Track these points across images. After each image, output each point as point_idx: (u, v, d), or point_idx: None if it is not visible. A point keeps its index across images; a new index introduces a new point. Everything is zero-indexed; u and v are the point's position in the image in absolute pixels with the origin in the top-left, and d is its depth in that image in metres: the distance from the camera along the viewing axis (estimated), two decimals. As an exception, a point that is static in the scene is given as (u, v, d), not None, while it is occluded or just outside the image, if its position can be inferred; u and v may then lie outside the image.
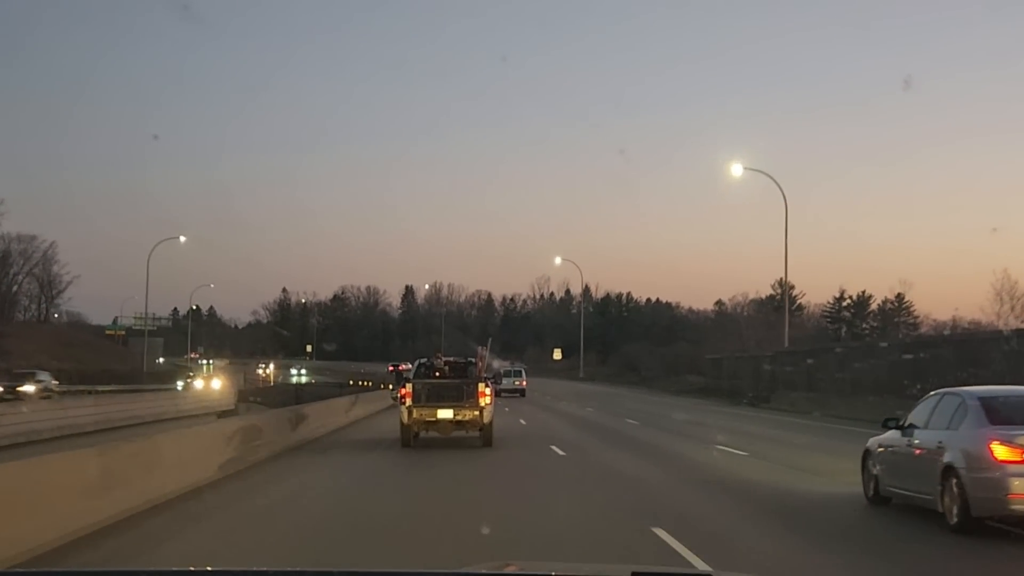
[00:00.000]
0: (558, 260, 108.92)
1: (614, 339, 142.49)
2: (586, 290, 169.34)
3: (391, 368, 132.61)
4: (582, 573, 4.10)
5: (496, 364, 57.06)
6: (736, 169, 59.74)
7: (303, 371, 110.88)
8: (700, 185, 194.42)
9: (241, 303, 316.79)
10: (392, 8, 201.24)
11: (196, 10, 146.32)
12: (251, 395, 51.43)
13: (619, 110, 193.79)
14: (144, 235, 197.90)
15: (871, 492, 13.67)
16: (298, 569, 3.63)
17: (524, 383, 61.49)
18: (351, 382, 74.89)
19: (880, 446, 13.74)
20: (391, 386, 59.35)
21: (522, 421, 33.92)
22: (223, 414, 46.49)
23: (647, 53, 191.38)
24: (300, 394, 51.84)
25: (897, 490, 13.03)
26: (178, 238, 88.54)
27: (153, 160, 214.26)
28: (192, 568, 4.24)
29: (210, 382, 56.92)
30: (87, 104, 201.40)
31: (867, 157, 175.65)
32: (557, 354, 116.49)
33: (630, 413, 41.34)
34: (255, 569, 3.60)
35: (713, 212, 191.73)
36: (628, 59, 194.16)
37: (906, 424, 13.22)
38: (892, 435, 13.47)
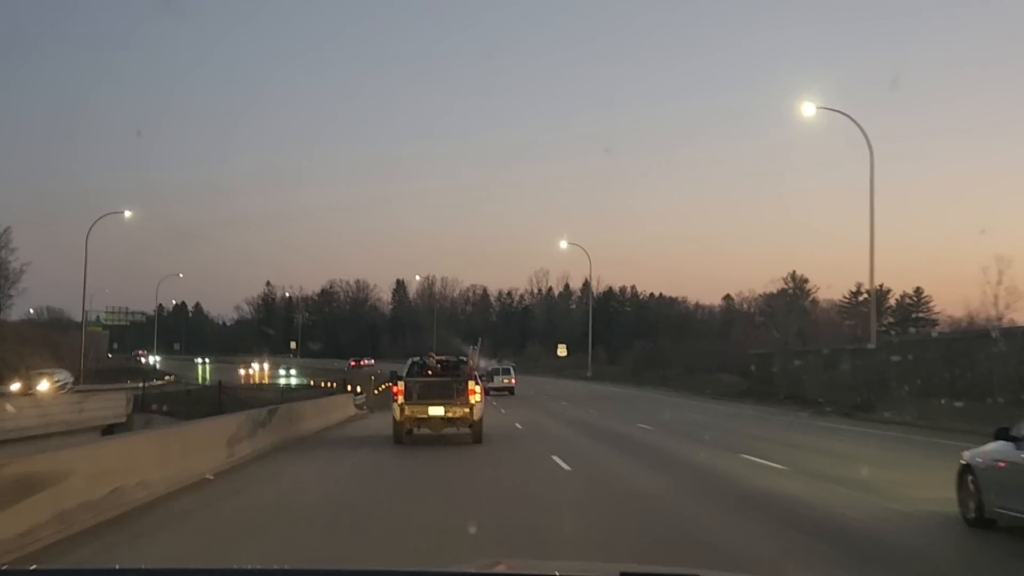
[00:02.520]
0: (563, 244, 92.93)
1: (618, 335, 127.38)
2: (586, 284, 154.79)
3: (352, 363, 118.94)
4: (571, 572, 3.57)
5: (484, 363, 45.63)
6: (808, 109, 43.72)
7: (292, 371, 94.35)
8: (701, 181, 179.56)
9: (231, 299, 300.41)
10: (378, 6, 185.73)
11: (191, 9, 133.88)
12: (155, 402, 35.15)
13: (615, 106, 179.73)
14: (140, 230, 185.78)
15: (971, 513, 11.15)
16: (287, 568, 3.20)
17: (513, 381, 57.51)
18: (311, 382, 59.14)
19: (985, 460, 11.25)
20: (358, 388, 43.65)
21: (558, 461, 17.71)
22: (109, 430, 30.73)
23: (649, 48, 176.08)
24: (225, 399, 35.51)
25: (1011, 512, 10.50)
26: (122, 213, 72.39)
27: (144, 157, 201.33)
28: (184, 567, 3.76)
29: (36, 384, 40.20)
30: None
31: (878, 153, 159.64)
32: (562, 350, 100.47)
33: (700, 431, 25.76)
34: (245, 568, 3.29)
35: (715, 207, 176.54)
36: (630, 55, 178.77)
37: (1021, 435, 10.70)
38: (1001, 447, 10.98)
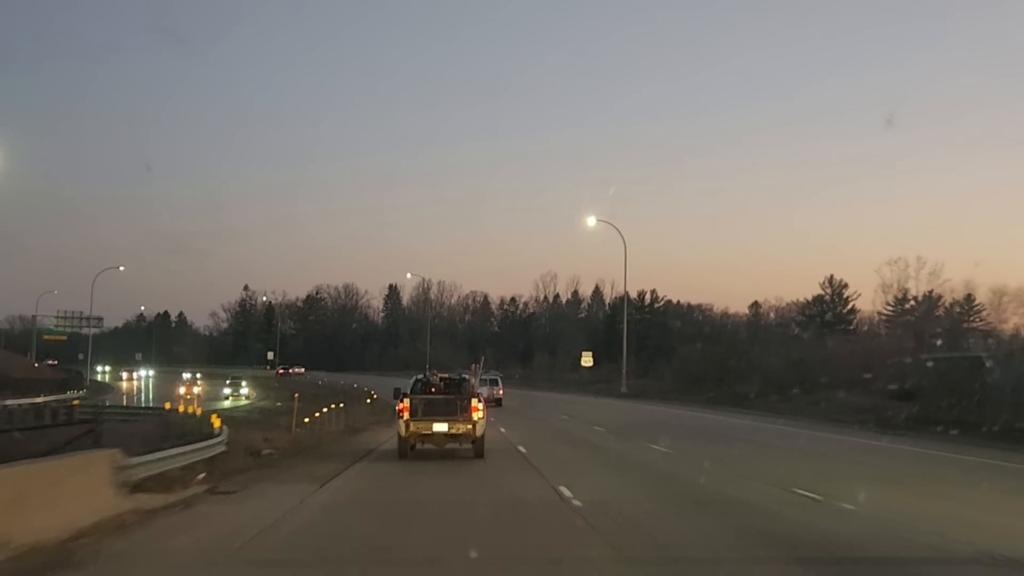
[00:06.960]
0: (592, 220, 68.93)
1: (644, 345, 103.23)
2: (595, 290, 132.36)
3: (280, 372, 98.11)
4: None
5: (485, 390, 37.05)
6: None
7: (242, 390, 68.45)
8: (719, 189, 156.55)
9: (215, 308, 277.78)
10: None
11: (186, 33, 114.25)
12: None
13: (621, 115, 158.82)
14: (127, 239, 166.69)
15: None
16: None
17: (501, 392, 52.19)
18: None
19: None
20: (221, 428, 18.53)
21: None
22: None
23: (654, 55, 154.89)
24: None
25: None
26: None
27: (132, 167, 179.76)
28: None
29: None
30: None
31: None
32: (587, 360, 75.47)
33: None
34: None
35: (738, 215, 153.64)
36: (632, 61, 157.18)
37: None
38: None
